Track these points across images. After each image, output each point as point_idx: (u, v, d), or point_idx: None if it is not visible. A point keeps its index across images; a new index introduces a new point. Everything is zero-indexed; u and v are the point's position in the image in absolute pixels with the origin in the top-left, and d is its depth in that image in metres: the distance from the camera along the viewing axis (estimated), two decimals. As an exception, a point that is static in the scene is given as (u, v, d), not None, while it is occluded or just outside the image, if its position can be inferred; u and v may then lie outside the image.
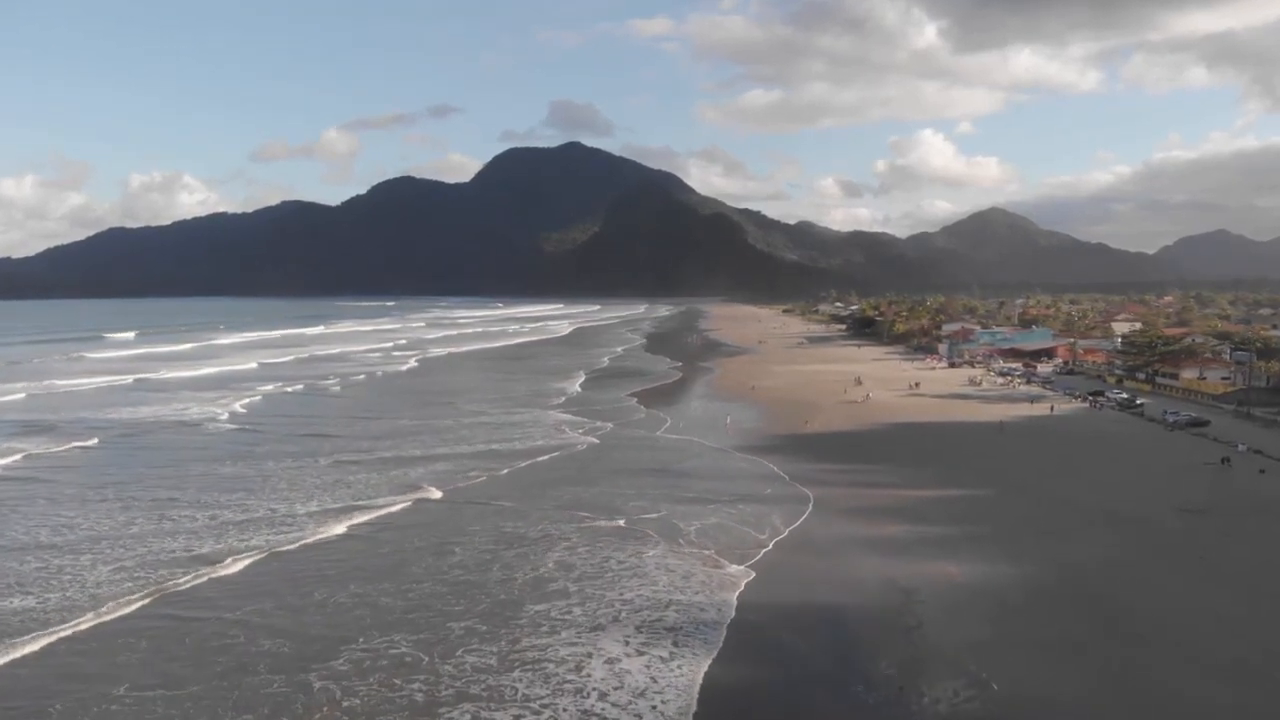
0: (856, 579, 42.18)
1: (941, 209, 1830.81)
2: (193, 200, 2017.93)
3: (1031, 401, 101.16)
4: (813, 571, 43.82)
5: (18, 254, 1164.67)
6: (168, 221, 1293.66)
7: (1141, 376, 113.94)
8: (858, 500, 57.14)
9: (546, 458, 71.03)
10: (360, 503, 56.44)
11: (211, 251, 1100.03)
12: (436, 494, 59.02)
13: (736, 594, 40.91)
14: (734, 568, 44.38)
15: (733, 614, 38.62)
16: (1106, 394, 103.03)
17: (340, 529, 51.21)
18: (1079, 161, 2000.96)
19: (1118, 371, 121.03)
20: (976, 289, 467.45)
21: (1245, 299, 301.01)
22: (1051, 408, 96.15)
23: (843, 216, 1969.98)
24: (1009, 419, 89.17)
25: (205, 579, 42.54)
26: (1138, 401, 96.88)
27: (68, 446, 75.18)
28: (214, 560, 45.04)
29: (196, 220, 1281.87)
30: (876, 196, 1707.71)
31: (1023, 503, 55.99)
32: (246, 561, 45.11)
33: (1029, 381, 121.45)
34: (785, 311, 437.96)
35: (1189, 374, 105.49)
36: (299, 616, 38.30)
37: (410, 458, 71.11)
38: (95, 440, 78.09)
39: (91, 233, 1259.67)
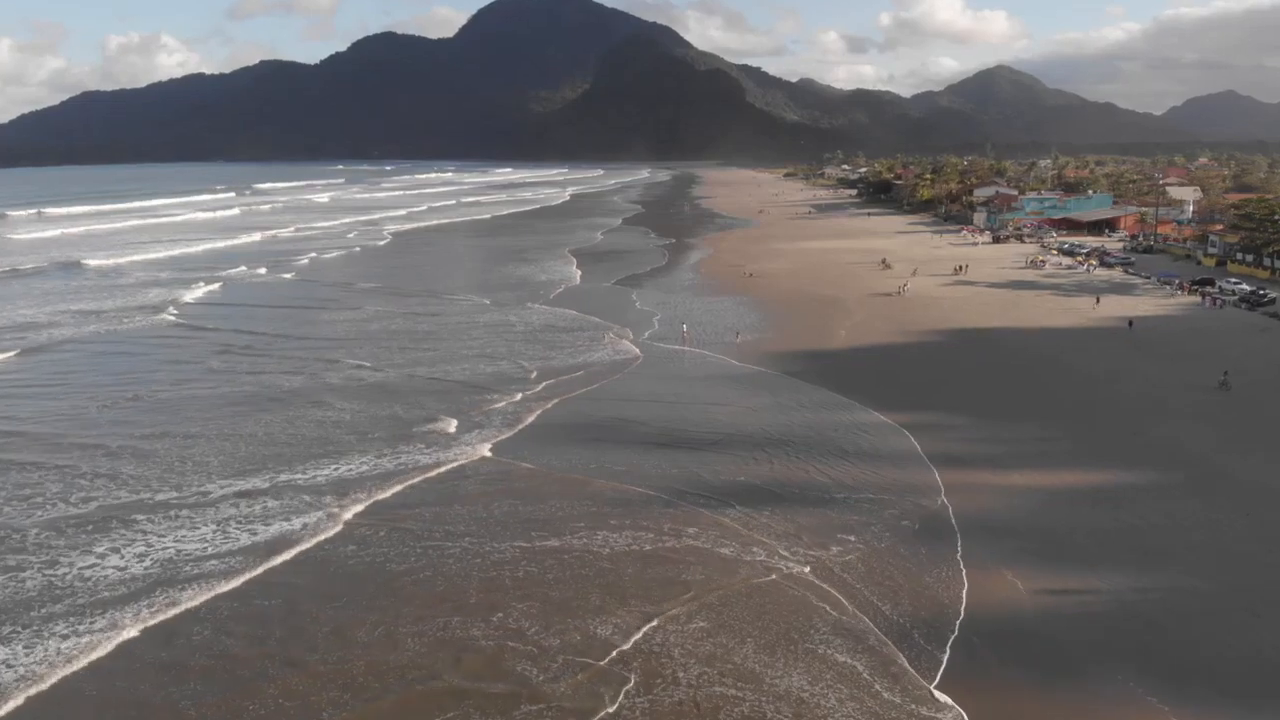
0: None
1: (947, 67, 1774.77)
2: (171, 62, 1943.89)
3: (1098, 300, 75.50)
4: None
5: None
6: (145, 84, 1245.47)
7: (1250, 259, 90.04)
8: (979, 499, 34.27)
9: (504, 405, 48.00)
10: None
11: (189, 114, 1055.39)
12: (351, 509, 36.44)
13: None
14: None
15: None
16: (1220, 284, 79.39)
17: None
18: (1088, 16, 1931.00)
19: (1213, 250, 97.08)
20: (990, 149, 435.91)
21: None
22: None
23: (845, 74, 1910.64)
24: (1092, 323, 66.32)
25: None
26: (1267, 296, 73.52)
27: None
28: None
29: (173, 82, 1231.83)
30: (881, 52, 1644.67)
31: (1232, 512, 33.28)
32: None
33: (1104, 263, 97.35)
34: (787, 175, 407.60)
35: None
36: None
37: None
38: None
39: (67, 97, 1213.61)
